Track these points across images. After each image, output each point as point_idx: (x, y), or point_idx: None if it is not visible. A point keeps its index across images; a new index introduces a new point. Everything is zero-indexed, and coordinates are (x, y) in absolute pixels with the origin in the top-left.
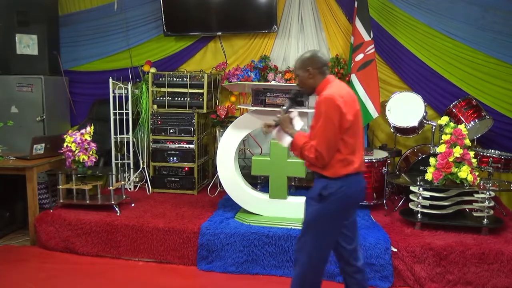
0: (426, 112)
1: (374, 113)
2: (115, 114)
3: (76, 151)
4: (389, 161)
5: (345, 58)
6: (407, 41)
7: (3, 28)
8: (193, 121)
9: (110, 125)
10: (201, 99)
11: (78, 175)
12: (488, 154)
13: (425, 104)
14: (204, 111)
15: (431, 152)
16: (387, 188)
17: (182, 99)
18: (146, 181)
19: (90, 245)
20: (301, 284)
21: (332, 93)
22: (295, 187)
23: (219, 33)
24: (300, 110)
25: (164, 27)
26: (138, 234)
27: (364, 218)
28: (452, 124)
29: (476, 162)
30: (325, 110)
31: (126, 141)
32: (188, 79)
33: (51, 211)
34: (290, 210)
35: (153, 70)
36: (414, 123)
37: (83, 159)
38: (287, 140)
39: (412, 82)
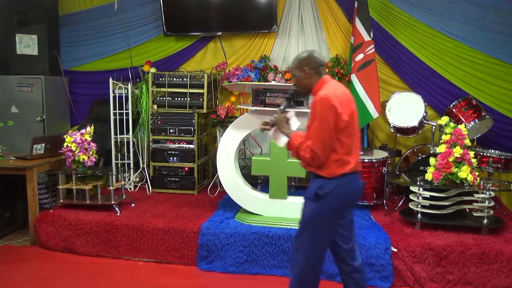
0: (426, 112)
1: (374, 113)
2: (115, 114)
3: (76, 151)
4: (389, 161)
5: (345, 58)
6: (407, 41)
7: (3, 28)
8: (193, 121)
9: (110, 125)
10: (201, 99)
11: (78, 175)
12: (488, 154)
13: (425, 104)
14: (204, 111)
15: (431, 152)
16: (387, 188)
17: (182, 99)
18: (146, 181)
19: (90, 245)
20: (299, 283)
21: (327, 93)
22: (295, 187)
23: (219, 33)
24: (300, 110)
25: (164, 27)
26: (138, 234)
27: (364, 218)
28: (452, 124)
29: (476, 162)
30: (321, 110)
31: (126, 141)
32: (188, 79)
33: (51, 211)
34: (290, 210)
35: (153, 70)
36: (414, 123)
37: (83, 159)
38: (283, 140)
39: (412, 82)
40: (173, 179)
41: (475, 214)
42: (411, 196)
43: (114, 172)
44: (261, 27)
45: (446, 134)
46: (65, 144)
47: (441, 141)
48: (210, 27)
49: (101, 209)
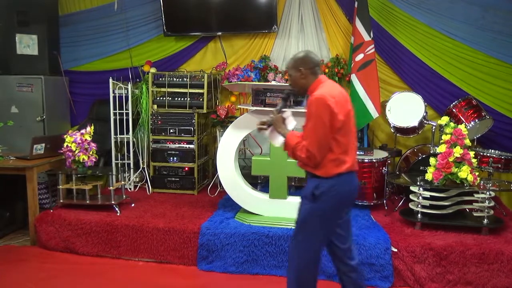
0: (426, 112)
1: (374, 113)
2: (115, 114)
3: (76, 151)
4: (389, 161)
5: (345, 58)
6: (407, 41)
7: (3, 28)
8: (193, 121)
9: (110, 125)
10: (201, 99)
11: (78, 175)
12: (488, 154)
13: (425, 104)
14: (204, 111)
15: (431, 152)
16: (387, 188)
17: (182, 99)
18: (146, 181)
19: (90, 245)
20: (297, 283)
21: (323, 93)
22: (295, 187)
23: (219, 33)
24: (297, 110)
25: (164, 27)
26: (138, 234)
27: (364, 218)
28: (452, 124)
29: (476, 162)
30: (316, 110)
31: (126, 141)
32: (188, 79)
33: (51, 211)
34: (290, 210)
35: (153, 70)
36: (414, 123)
37: (83, 159)
38: (279, 140)
39: (412, 82)
40: (173, 179)
41: (475, 214)
42: (411, 196)
43: (114, 172)
44: (261, 27)
45: (446, 134)
46: (65, 144)
47: (441, 141)
48: (210, 27)
49: (101, 209)
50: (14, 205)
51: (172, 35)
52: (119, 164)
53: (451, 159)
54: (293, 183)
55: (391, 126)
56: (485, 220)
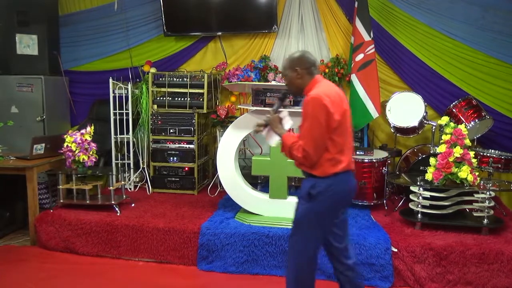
0: (426, 112)
1: (374, 113)
2: (115, 114)
3: (76, 151)
4: (389, 161)
5: (345, 58)
6: (407, 41)
7: (3, 28)
8: (193, 121)
9: (110, 125)
10: (201, 99)
11: (78, 175)
12: (488, 154)
13: (425, 104)
14: (204, 111)
15: (431, 152)
16: (387, 188)
17: (182, 99)
18: (146, 181)
19: (90, 245)
20: (296, 282)
21: (318, 93)
22: (295, 187)
23: (219, 33)
24: (295, 110)
25: (164, 27)
26: (138, 234)
27: (364, 218)
28: (452, 124)
29: (476, 162)
30: (312, 110)
31: (126, 141)
32: (188, 79)
33: (51, 211)
34: (290, 210)
35: (153, 70)
36: (414, 123)
37: (83, 159)
38: (276, 140)
39: (412, 82)
40: (173, 179)
41: (475, 214)
42: (411, 196)
43: (114, 172)
44: (261, 27)
45: (446, 134)
46: (65, 144)
47: (441, 141)
48: (210, 27)
49: (101, 209)
50: (14, 205)
51: (172, 35)
52: (119, 164)
53: (451, 159)
54: (293, 183)
55: (391, 126)
56: (485, 220)
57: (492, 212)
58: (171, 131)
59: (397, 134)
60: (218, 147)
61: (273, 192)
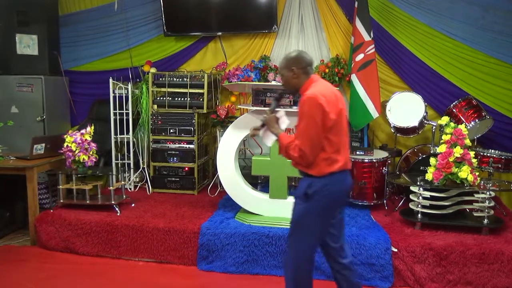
0: (426, 112)
1: (374, 113)
2: (115, 114)
3: (76, 151)
4: (389, 161)
5: (345, 58)
6: (407, 41)
7: (3, 28)
8: (193, 121)
9: (110, 125)
10: (201, 99)
11: (78, 175)
12: (488, 154)
13: (425, 104)
14: (204, 111)
15: (431, 152)
16: (387, 188)
17: (182, 99)
18: (146, 181)
19: (90, 245)
20: (295, 281)
21: (314, 92)
22: (295, 187)
23: (219, 33)
24: (292, 110)
25: (164, 27)
26: (138, 234)
27: (365, 218)
28: (452, 124)
29: (477, 162)
30: (308, 109)
31: (126, 141)
32: (188, 79)
33: (51, 211)
34: (290, 210)
35: (153, 70)
36: (415, 123)
37: (83, 159)
38: (272, 139)
39: (412, 82)
40: (173, 179)
41: (475, 214)
42: (411, 196)
43: (114, 172)
44: (261, 27)
45: (446, 134)
46: (65, 144)
47: (442, 141)
48: (210, 27)
49: (101, 209)
50: (14, 205)
51: (172, 35)
52: (119, 164)
53: (451, 159)
54: (293, 183)
55: (391, 126)
56: (485, 220)
57: (492, 212)
58: (171, 131)
59: (397, 134)
60: (218, 147)
61: (273, 192)
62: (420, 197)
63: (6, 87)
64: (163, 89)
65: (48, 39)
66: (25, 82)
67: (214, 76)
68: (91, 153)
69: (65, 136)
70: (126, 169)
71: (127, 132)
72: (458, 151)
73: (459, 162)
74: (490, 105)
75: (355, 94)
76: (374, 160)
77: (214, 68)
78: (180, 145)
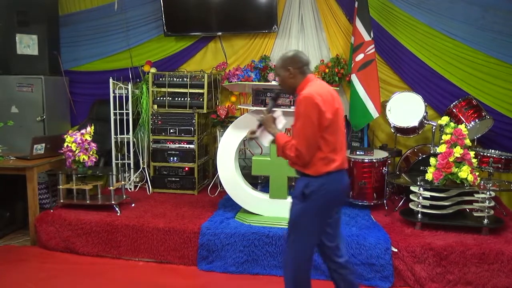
0: (426, 112)
1: (374, 113)
2: (115, 114)
3: (77, 151)
4: (389, 161)
5: (345, 58)
6: (407, 41)
7: (3, 28)
8: (193, 121)
9: (110, 125)
10: (201, 99)
11: (79, 175)
12: (488, 154)
13: (425, 104)
14: (205, 111)
15: (431, 152)
16: (387, 188)
17: (182, 99)
18: (147, 181)
19: (90, 245)
20: (294, 281)
21: (310, 92)
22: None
23: (219, 33)
24: (290, 110)
25: (164, 27)
26: (138, 234)
27: (365, 218)
28: (452, 124)
29: (477, 162)
30: (304, 109)
31: (127, 141)
32: (188, 79)
33: (51, 211)
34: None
35: (153, 70)
36: (415, 123)
37: (84, 159)
38: (269, 139)
39: (412, 82)
40: (173, 179)
41: (475, 214)
42: (411, 196)
43: (114, 172)
44: (261, 27)
45: (446, 134)
46: (65, 144)
47: (442, 141)
48: (210, 27)
49: (101, 209)
50: (14, 205)
51: (172, 35)
52: (119, 164)
53: (451, 159)
54: (293, 183)
55: (391, 126)
56: (485, 220)
57: (492, 212)
58: (171, 131)
59: (397, 134)
60: (218, 147)
61: (273, 192)
62: (420, 197)
63: (6, 87)
64: (163, 89)
65: (48, 39)
66: (25, 82)
67: (214, 76)
68: (91, 153)
69: (65, 136)
70: (126, 169)
71: (127, 132)
72: (458, 151)
73: (459, 162)
74: (490, 105)
75: (355, 94)
76: (374, 160)
77: (214, 68)
78: (180, 145)
